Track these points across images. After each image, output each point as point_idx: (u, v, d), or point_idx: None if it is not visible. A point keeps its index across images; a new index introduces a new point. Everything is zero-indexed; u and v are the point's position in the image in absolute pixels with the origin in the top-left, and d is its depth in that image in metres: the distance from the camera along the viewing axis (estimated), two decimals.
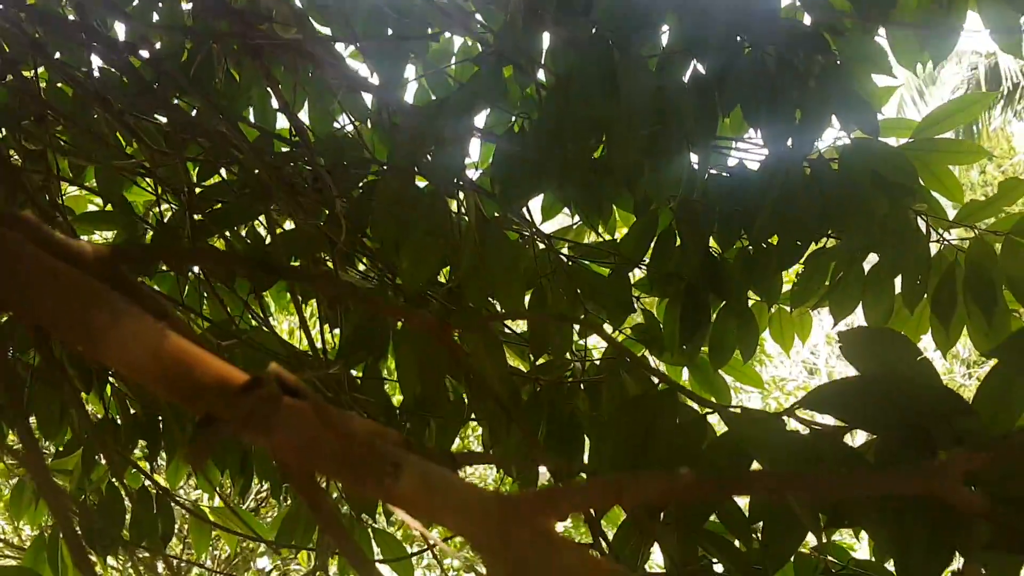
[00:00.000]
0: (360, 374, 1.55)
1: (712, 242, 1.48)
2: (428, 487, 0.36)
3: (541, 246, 1.41)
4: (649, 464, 0.77)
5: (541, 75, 1.26)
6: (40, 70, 1.60)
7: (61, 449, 1.80)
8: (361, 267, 1.44)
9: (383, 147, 1.61)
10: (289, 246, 1.40)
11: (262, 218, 1.56)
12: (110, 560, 2.01)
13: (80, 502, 1.66)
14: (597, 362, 1.52)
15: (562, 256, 1.42)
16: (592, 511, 0.78)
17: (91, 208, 1.91)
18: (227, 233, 1.59)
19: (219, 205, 1.57)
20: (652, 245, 1.46)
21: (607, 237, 1.55)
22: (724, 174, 1.43)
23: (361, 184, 1.46)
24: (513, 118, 1.12)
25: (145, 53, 1.46)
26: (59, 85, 1.65)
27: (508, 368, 1.17)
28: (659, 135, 0.97)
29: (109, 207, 1.67)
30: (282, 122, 1.73)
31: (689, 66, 1.20)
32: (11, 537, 4.07)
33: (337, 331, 1.57)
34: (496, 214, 1.26)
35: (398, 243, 0.99)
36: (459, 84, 1.10)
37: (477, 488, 0.37)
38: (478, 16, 1.40)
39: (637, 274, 1.54)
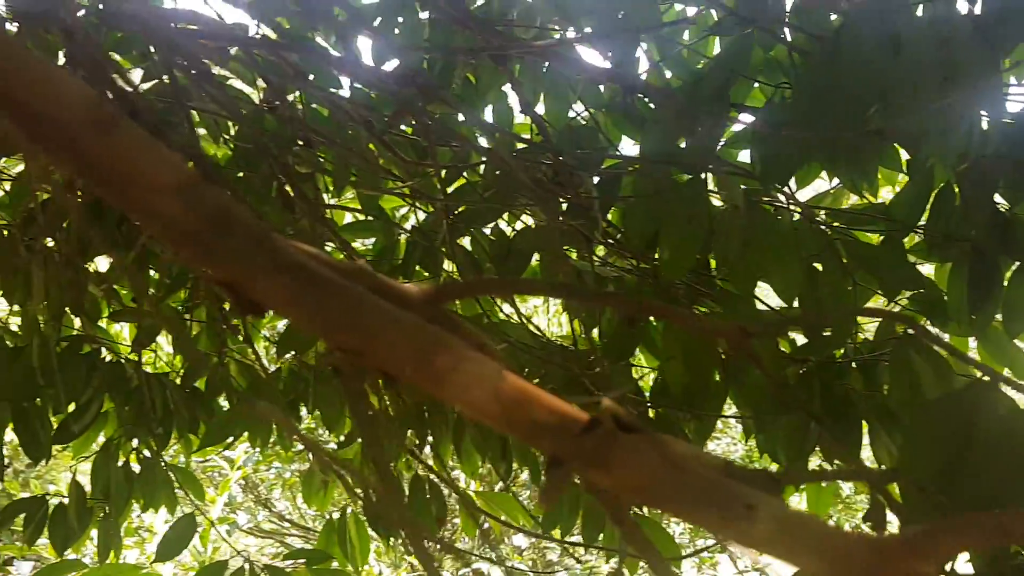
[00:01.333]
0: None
1: (998, 197, 1.31)
2: (785, 529, 0.33)
3: (796, 216, 1.32)
4: (969, 468, 0.69)
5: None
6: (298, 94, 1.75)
7: (342, 439, 1.97)
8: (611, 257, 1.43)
9: (618, 131, 1.59)
10: (536, 241, 1.42)
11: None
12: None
13: (365, 488, 1.81)
14: (869, 337, 1.40)
15: (823, 227, 1.32)
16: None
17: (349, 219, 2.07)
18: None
19: (463, 208, 1.63)
20: (928, 205, 1.31)
21: (871, 200, 1.42)
22: (1007, 120, 1.26)
23: (602, 172, 1.45)
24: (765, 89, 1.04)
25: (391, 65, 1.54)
26: (314, 106, 1.80)
27: (778, 350, 1.10)
28: (944, 89, 0.85)
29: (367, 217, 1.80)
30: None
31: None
32: (294, 517, 4.58)
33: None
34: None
35: (656, 233, 0.96)
36: (708, 59, 1.04)
37: (837, 530, 0.33)
38: None
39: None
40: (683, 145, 0.96)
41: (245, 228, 0.34)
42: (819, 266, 1.12)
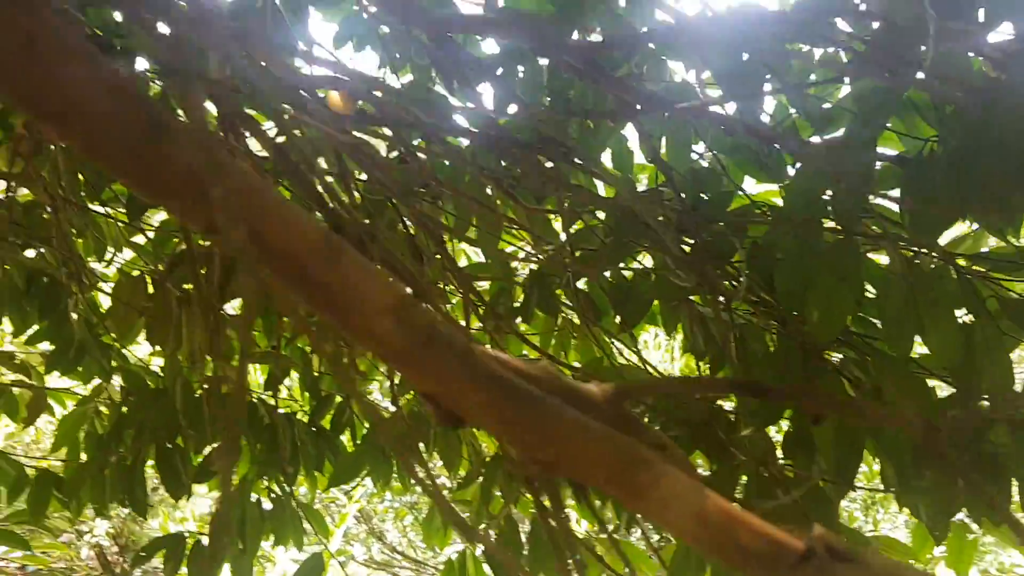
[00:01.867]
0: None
1: None
2: None
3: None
4: None
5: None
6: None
7: (460, 481, 1.98)
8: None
9: (742, 173, 1.56)
10: (657, 289, 1.40)
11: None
12: None
13: (484, 531, 1.82)
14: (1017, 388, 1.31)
15: (968, 276, 1.25)
16: None
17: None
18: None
19: (579, 252, 1.63)
20: None
21: (1016, 243, 1.33)
22: None
23: (728, 216, 1.42)
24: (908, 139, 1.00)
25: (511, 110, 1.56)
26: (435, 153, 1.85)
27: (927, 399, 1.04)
28: None
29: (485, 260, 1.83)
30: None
31: None
32: (405, 547, 4.65)
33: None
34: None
35: (804, 292, 0.93)
36: (848, 108, 1.01)
37: None
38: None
39: None
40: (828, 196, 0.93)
41: (448, 344, 0.35)
42: (969, 317, 1.06)
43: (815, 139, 1.56)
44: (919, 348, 1.21)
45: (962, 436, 1.20)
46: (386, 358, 0.33)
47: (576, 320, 1.83)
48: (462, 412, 0.36)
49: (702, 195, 1.48)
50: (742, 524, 0.34)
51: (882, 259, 1.30)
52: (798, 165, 1.53)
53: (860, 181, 0.87)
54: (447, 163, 1.77)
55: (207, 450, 1.72)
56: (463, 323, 2.06)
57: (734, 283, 1.44)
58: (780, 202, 1.59)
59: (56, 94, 0.25)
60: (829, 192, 0.94)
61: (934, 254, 1.10)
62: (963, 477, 1.25)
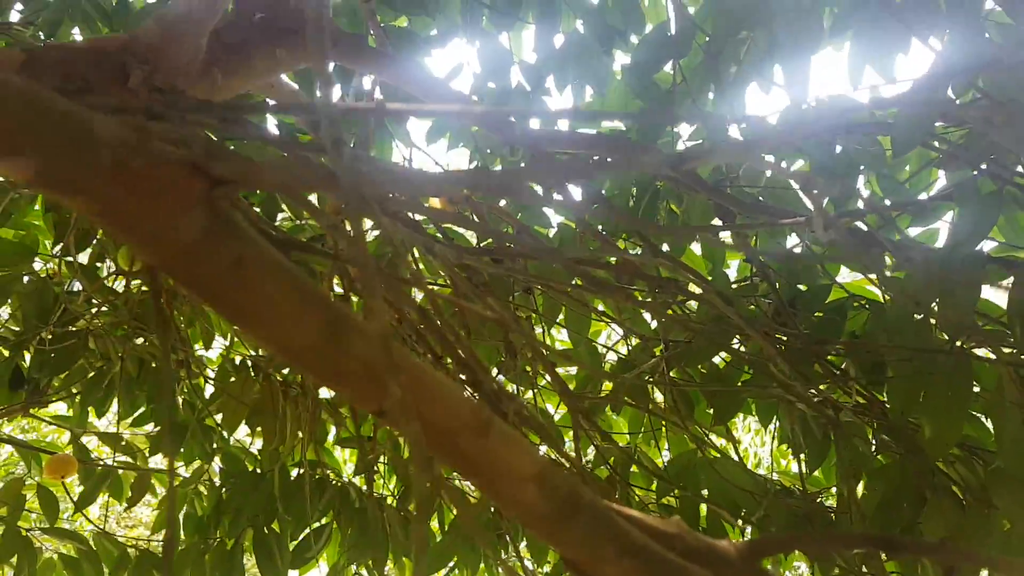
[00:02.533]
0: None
1: None
2: None
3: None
4: None
5: None
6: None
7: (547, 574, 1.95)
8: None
9: (837, 265, 1.54)
10: (753, 382, 1.38)
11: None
12: None
13: None
14: None
15: None
16: None
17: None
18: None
19: (670, 344, 1.63)
20: None
21: None
22: None
23: (826, 308, 1.40)
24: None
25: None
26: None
27: None
28: None
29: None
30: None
31: None
32: None
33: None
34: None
35: (918, 403, 0.90)
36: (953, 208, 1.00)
37: None
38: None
39: None
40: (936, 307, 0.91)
41: (591, 511, 0.36)
42: None
43: (912, 230, 1.54)
44: None
45: None
46: (531, 525, 0.34)
47: (666, 409, 1.81)
48: None
49: (799, 286, 1.46)
50: None
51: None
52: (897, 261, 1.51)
53: (969, 293, 0.85)
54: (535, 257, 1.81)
55: (303, 535, 1.75)
56: (551, 409, 2.06)
57: (833, 376, 1.41)
58: (876, 290, 1.56)
59: (258, 306, 0.28)
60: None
61: None
62: None
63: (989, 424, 1.26)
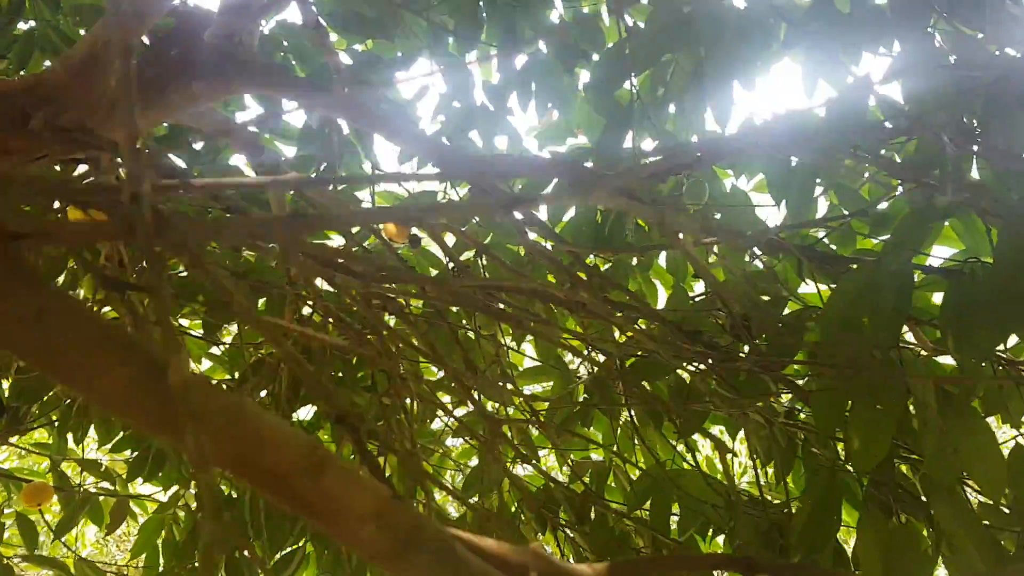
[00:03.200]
0: None
1: None
2: None
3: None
4: None
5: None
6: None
7: None
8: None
9: (798, 279, 1.55)
10: (717, 397, 1.39)
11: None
12: None
13: None
14: None
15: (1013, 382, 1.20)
16: None
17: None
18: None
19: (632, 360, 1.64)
20: None
21: None
22: None
23: (784, 319, 1.42)
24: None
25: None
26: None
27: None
28: None
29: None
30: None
31: None
32: None
33: None
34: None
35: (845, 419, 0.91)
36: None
37: None
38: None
39: None
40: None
41: (433, 545, 0.37)
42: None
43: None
44: None
45: None
46: (373, 560, 0.36)
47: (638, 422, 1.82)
48: None
49: (762, 297, 1.48)
50: None
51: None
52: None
53: (897, 309, 0.86)
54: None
55: (276, 558, 1.75)
56: (530, 428, 2.07)
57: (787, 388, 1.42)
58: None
59: (62, 357, 0.29)
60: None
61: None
62: None
63: None
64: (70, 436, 1.99)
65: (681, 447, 1.74)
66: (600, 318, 1.18)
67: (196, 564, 1.82)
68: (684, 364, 1.34)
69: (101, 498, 2.00)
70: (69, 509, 1.95)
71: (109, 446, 2.00)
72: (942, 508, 0.88)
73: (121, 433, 2.01)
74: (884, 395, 0.88)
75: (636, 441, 1.85)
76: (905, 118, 1.19)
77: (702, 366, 1.50)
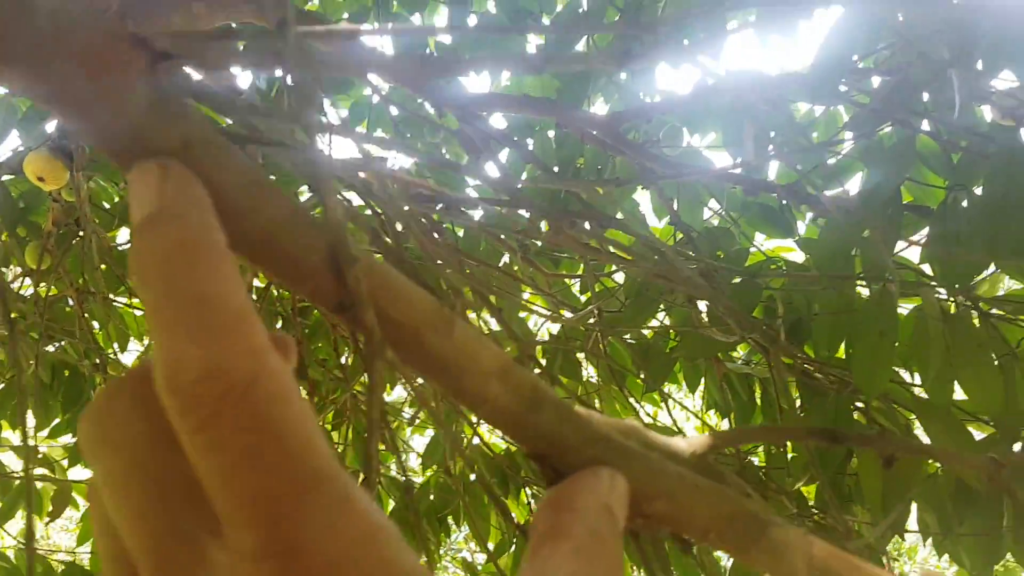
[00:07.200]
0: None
1: None
2: None
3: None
4: None
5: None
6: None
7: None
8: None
9: (753, 230, 1.59)
10: (689, 347, 1.41)
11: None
12: None
13: None
14: None
15: (991, 318, 1.26)
16: None
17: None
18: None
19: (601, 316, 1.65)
20: None
21: None
22: None
23: (745, 271, 1.45)
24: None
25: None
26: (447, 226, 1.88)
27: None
28: None
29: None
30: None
31: None
32: None
33: None
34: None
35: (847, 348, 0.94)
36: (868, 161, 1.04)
37: None
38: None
39: None
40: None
41: (553, 405, 0.36)
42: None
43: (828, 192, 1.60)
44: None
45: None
46: (498, 420, 0.34)
47: (599, 382, 1.84)
48: (572, 471, 0.37)
49: (719, 252, 1.51)
50: (855, 570, 0.35)
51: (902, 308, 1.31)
52: (811, 218, 1.57)
53: (889, 232, 0.89)
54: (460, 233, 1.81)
55: None
56: None
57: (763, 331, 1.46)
58: (792, 257, 1.62)
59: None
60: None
61: (962, 300, 1.11)
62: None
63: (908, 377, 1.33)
64: (4, 423, 1.88)
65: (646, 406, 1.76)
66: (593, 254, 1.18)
67: None
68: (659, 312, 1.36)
69: (40, 485, 1.90)
70: (8, 498, 1.84)
71: (46, 432, 1.90)
72: (934, 427, 0.92)
73: (59, 418, 1.91)
74: (884, 320, 0.91)
75: (598, 402, 1.87)
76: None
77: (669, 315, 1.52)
